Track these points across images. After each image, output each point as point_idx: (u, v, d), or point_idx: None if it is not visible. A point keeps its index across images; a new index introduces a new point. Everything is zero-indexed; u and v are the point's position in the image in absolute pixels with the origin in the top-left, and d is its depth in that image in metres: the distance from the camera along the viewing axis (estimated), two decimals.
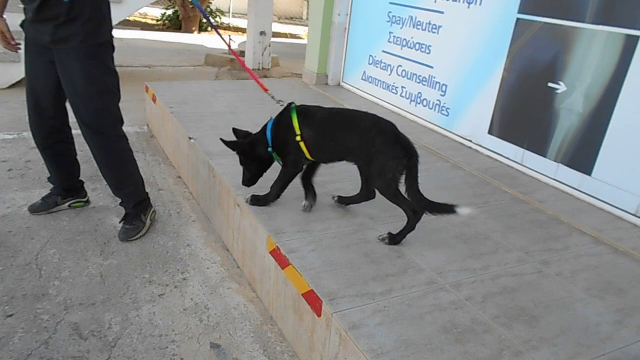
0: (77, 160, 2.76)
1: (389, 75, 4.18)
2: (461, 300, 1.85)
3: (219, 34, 2.80)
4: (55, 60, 2.29)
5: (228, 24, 11.70)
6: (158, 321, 2.09)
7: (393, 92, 4.16)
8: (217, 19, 11.33)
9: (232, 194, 2.53)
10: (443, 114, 3.70)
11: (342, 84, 4.83)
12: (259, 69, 6.44)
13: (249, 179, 2.41)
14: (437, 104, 3.75)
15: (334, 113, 2.27)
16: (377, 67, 4.31)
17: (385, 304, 1.78)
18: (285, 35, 11.32)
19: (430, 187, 2.82)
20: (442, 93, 3.69)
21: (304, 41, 11.14)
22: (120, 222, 2.68)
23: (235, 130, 2.44)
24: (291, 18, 14.34)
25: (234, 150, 2.35)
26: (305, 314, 1.88)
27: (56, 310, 2.07)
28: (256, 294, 2.34)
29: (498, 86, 3.20)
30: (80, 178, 2.83)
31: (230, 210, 2.58)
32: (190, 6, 10.18)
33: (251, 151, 2.34)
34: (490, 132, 3.31)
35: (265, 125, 2.33)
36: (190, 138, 3.15)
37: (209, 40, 9.24)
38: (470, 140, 3.49)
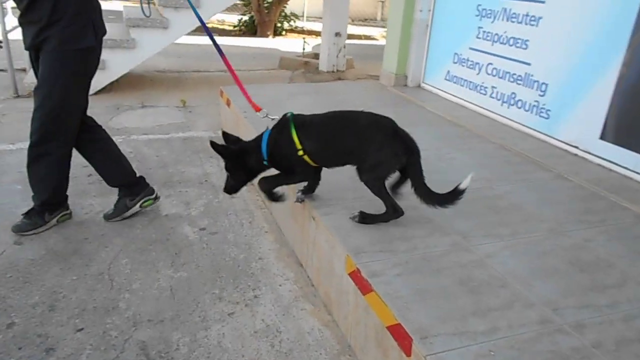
0: (123, 156, 2.78)
1: (477, 74, 3.80)
2: (587, 347, 1.49)
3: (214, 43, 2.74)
4: (39, 62, 2.30)
5: (302, 27, 11.68)
6: (227, 344, 1.93)
7: (482, 93, 3.77)
8: (292, 22, 11.35)
9: (307, 205, 2.33)
10: (542, 117, 3.27)
11: (422, 84, 4.51)
12: (333, 71, 6.26)
13: (232, 187, 2.31)
14: (534, 105, 3.32)
15: (330, 117, 2.17)
16: (463, 65, 3.95)
17: (491, 347, 1.47)
18: (359, 37, 11.09)
19: (530, 200, 2.45)
20: (541, 93, 3.26)
21: (379, 42, 10.85)
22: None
23: (225, 134, 2.31)
24: (365, 20, 14.09)
25: (222, 155, 2.22)
26: (391, 349, 1.62)
27: (125, 327, 1.97)
28: (332, 317, 2.11)
29: (614, 84, 2.74)
30: (147, 181, 2.80)
31: (305, 223, 2.37)
32: (266, 11, 10.27)
33: (240, 159, 2.20)
34: (603, 138, 2.85)
35: (261, 137, 2.18)
36: None
37: (284, 44, 9.23)
38: (576, 147, 3.04)
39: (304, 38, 7.54)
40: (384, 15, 14.56)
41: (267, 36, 10.63)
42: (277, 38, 10.61)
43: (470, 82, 3.88)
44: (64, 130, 2.43)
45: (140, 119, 4.43)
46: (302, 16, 12.38)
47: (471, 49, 3.83)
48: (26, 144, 3.56)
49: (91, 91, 4.87)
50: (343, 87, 4.86)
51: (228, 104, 3.87)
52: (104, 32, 2.43)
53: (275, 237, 2.71)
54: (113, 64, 4.89)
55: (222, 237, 2.64)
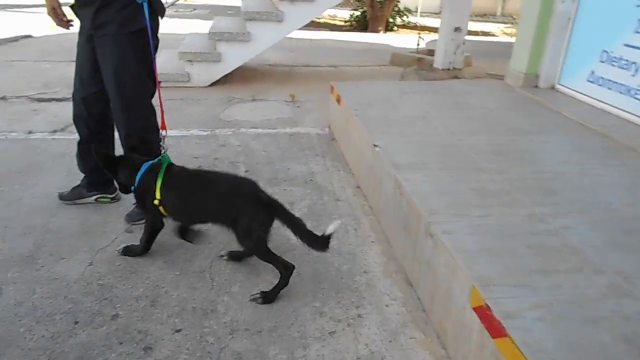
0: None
1: (633, 76, 3.20)
2: None
3: None
4: (95, 46, 2.28)
5: (415, 23, 11.23)
6: None
7: (637, 98, 3.17)
8: (404, 17, 10.95)
9: (423, 220, 2.05)
10: None
11: (557, 86, 3.95)
12: (449, 69, 5.82)
13: (123, 188, 2.30)
14: None
15: (195, 175, 2.20)
16: (613, 65, 3.36)
17: None
18: (476, 33, 10.36)
19: None
20: None
21: (499, 39, 10.04)
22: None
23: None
24: (484, 15, 13.19)
25: (100, 159, 2.19)
26: None
27: (222, 333, 1.86)
28: (447, 353, 1.82)
29: None
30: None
31: (419, 238, 2.10)
32: (379, 6, 10.00)
33: (114, 168, 2.19)
34: None
35: (141, 164, 2.14)
36: (374, 145, 2.76)
37: (395, 39, 8.90)
38: None
39: (418, 33, 7.14)
40: (505, 11, 13.52)
41: (378, 31, 10.35)
42: (388, 34, 10.29)
43: (622, 84, 3.28)
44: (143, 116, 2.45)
45: (250, 112, 4.43)
46: (416, 11, 11.90)
47: (627, 45, 3.23)
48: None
49: (206, 83, 5.10)
50: (461, 86, 4.44)
51: (338, 100, 3.69)
52: (162, 14, 2.35)
53: (382, 248, 2.47)
54: (229, 56, 4.97)
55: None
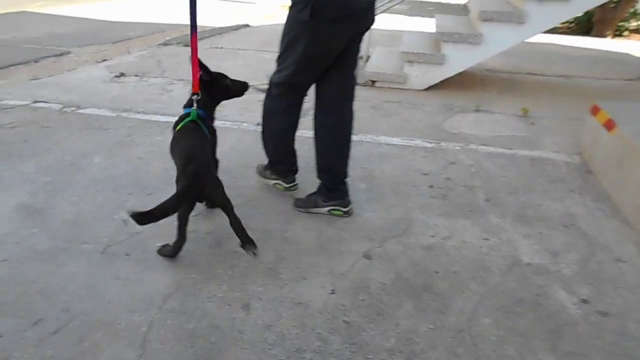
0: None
1: None
2: None
3: None
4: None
5: None
6: None
7: None
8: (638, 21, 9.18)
9: None
10: None
11: None
12: None
13: None
14: None
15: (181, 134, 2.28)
16: None
17: None
18: None
19: None
20: None
21: None
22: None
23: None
24: None
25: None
26: None
27: None
28: None
29: None
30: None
31: None
32: (612, 6, 8.49)
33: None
34: None
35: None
36: None
37: (635, 47, 7.43)
38: None
39: None
40: None
41: (604, 36, 8.84)
42: (618, 40, 8.71)
43: None
44: (275, 84, 2.41)
45: (475, 125, 3.92)
46: None
47: None
48: (368, 136, 3.40)
49: (422, 86, 4.73)
50: None
51: (609, 126, 2.96)
52: (336, 13, 2.05)
53: None
54: (453, 59, 4.51)
55: (618, 325, 1.87)
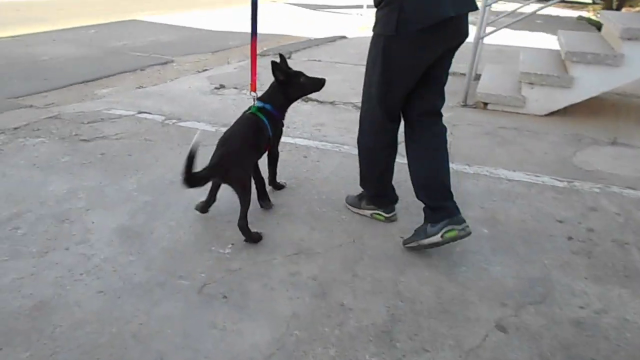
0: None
1: None
2: None
3: None
4: None
5: None
6: None
7: None
8: None
9: None
10: None
11: None
12: None
13: None
14: None
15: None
16: None
17: None
18: None
19: None
20: None
21: None
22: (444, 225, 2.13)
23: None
24: None
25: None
26: None
27: None
28: None
29: None
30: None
31: None
32: None
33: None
34: None
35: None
36: None
37: None
38: None
39: None
40: None
41: None
42: None
43: None
44: (368, 119, 2.30)
45: (615, 161, 3.35)
46: None
47: None
48: (485, 168, 3.01)
49: (543, 111, 4.20)
50: None
51: None
52: (422, 24, 1.90)
53: None
54: (584, 82, 3.94)
55: None
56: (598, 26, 10.35)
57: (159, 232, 2.36)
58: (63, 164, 3.01)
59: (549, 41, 7.59)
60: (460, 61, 5.91)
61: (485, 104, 4.34)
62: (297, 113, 4.15)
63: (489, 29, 4.24)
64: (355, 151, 3.01)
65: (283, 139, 3.04)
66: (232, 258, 2.19)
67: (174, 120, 3.85)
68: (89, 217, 2.45)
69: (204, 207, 2.48)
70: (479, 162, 3.24)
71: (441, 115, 2.25)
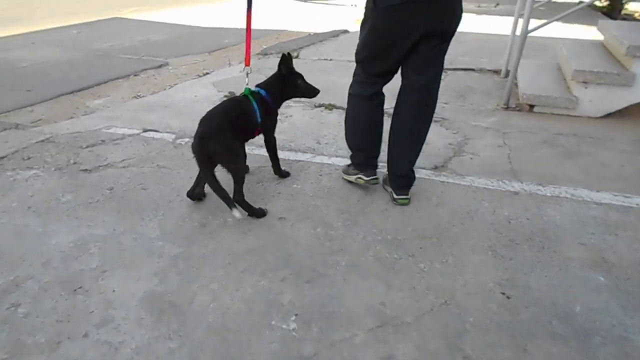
0: None
1: None
2: None
3: None
4: None
5: None
6: None
7: None
8: None
9: None
10: None
11: None
12: None
13: None
14: None
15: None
16: None
17: None
18: None
19: None
20: None
21: None
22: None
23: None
24: None
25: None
26: None
27: None
28: None
29: None
30: None
31: None
32: None
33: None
34: None
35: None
36: None
37: None
38: None
39: None
40: None
41: None
42: None
43: None
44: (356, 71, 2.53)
45: None
46: None
47: None
48: (563, 189, 2.55)
49: (598, 113, 3.78)
50: None
51: None
52: (389, 2, 2.13)
53: None
54: None
55: None
56: (603, 11, 10.03)
57: (200, 301, 1.86)
58: (65, 206, 2.48)
59: (560, 30, 7.16)
60: (478, 55, 5.47)
61: (531, 106, 3.90)
62: (324, 124, 3.66)
63: (532, 23, 3.76)
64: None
65: (319, 158, 3.00)
66: (302, 337, 1.71)
67: (187, 139, 3.32)
68: (108, 283, 1.94)
69: (190, 193, 2.50)
70: (551, 180, 2.80)
71: (416, 109, 2.42)
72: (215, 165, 2.31)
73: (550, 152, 3.19)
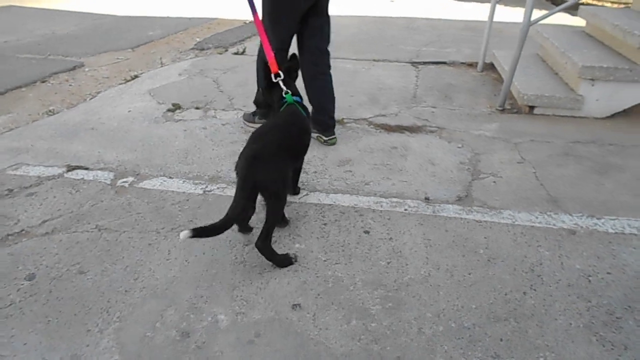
0: None
1: None
2: None
3: None
4: None
5: None
6: None
7: None
8: None
9: None
10: None
11: None
12: None
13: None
14: None
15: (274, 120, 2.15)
16: None
17: None
18: None
19: None
20: None
21: None
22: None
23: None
24: None
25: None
26: None
27: None
28: None
29: None
30: None
31: None
32: None
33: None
34: None
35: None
36: None
37: None
38: None
39: None
40: None
41: None
42: None
43: None
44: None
45: None
46: None
47: None
48: (624, 221, 2.05)
49: (605, 113, 3.37)
50: None
51: None
52: None
53: None
54: None
55: None
56: None
57: None
58: None
59: (507, 13, 6.89)
60: (442, 45, 4.92)
61: (531, 107, 3.44)
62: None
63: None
64: (432, 210, 1.91)
65: (313, 198, 2.40)
66: None
67: (131, 179, 2.48)
68: None
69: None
70: (602, 208, 2.33)
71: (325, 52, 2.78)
72: (257, 196, 1.81)
73: (579, 168, 2.73)
